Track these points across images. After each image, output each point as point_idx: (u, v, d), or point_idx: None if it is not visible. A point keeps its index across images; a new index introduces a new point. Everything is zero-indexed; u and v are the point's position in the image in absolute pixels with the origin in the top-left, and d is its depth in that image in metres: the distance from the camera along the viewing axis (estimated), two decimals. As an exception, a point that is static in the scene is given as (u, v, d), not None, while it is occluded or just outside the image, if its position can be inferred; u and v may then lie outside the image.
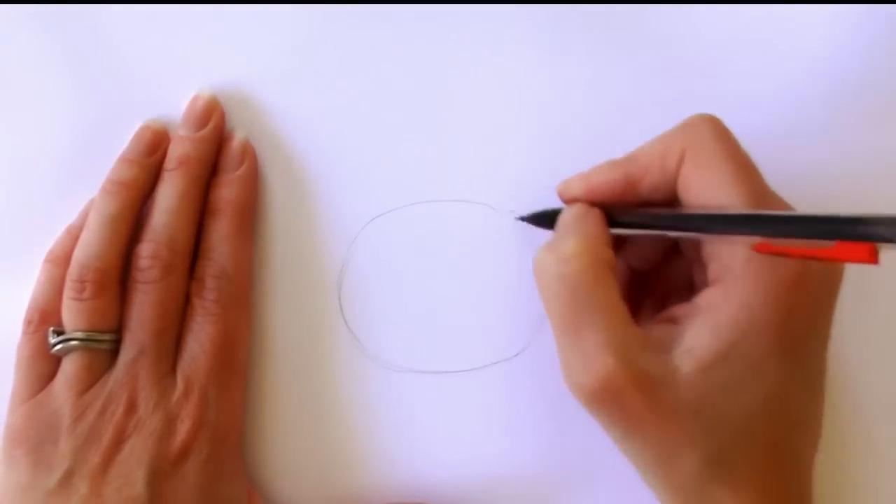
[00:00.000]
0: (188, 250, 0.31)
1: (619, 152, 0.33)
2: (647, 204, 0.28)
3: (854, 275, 0.27)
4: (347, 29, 0.34)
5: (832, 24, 0.33)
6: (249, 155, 0.33)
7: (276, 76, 0.34)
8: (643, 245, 0.31)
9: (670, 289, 0.31)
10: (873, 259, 0.19)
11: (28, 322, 0.31)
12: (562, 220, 0.29)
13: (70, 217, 0.33)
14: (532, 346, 0.33)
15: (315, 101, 0.34)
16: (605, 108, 0.34)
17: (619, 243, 0.30)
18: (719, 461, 0.25)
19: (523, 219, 0.32)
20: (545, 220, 0.31)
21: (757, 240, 0.23)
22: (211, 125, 0.33)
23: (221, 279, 0.31)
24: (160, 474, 0.29)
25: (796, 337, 0.25)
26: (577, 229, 0.28)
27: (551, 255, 0.27)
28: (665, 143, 0.28)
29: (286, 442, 0.33)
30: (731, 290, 0.25)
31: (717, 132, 0.27)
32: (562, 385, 0.27)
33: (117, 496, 0.28)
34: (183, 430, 0.29)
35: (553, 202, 0.31)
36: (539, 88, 0.34)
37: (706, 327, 0.25)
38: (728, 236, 0.25)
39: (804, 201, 0.33)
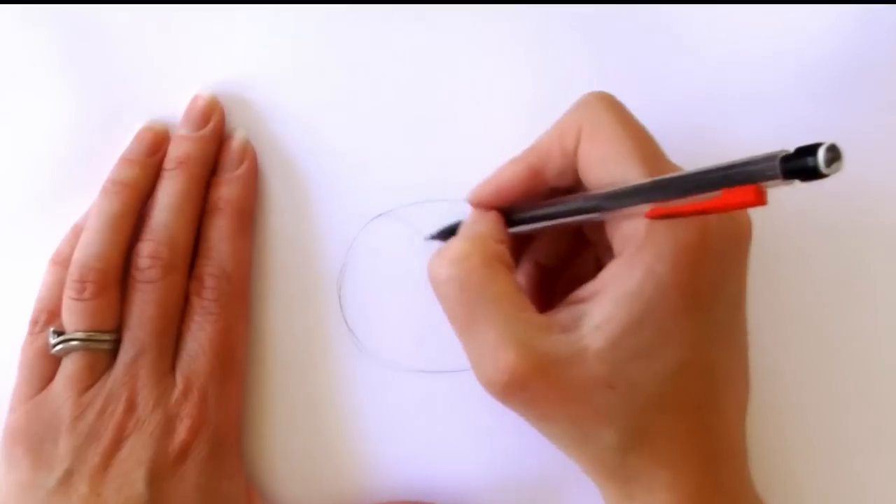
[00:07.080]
0: (188, 249, 0.31)
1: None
2: (556, 193, 0.28)
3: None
4: (347, 29, 0.34)
5: (832, 25, 0.33)
6: (249, 155, 0.33)
7: (276, 76, 0.34)
8: (549, 240, 0.30)
9: (582, 280, 0.30)
10: (761, 200, 0.19)
11: (34, 322, 0.31)
12: (460, 229, 0.29)
13: (72, 217, 0.33)
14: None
15: (315, 101, 0.34)
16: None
17: (525, 241, 0.30)
18: (638, 432, 0.25)
19: (433, 237, 0.32)
20: (453, 233, 0.30)
21: (649, 207, 0.23)
22: (211, 125, 0.33)
23: (221, 278, 0.31)
24: (160, 474, 0.29)
25: (704, 298, 0.25)
26: (466, 232, 0.28)
27: (442, 260, 0.27)
28: (562, 125, 0.27)
29: (286, 442, 0.33)
30: (635, 260, 0.24)
31: (609, 106, 0.27)
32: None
33: (117, 496, 0.28)
34: (182, 429, 0.29)
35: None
36: (539, 88, 0.34)
37: (612, 301, 0.25)
38: (624, 210, 0.24)
39: (804, 200, 0.33)
